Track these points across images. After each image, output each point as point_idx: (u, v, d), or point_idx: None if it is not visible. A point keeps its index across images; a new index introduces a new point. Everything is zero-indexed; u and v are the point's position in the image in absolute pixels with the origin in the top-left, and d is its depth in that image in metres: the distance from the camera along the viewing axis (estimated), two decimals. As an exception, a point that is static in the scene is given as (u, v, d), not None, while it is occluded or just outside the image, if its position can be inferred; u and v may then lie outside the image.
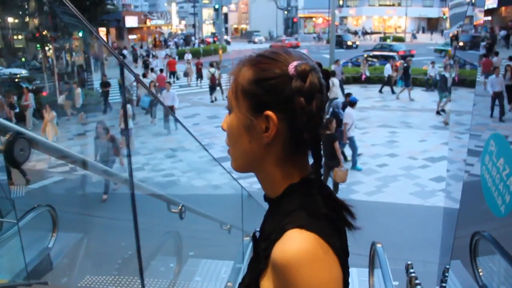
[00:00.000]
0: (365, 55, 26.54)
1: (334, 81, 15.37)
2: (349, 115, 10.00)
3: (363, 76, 22.02)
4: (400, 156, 11.18)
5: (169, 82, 15.70)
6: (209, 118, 16.09)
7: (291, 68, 0.87)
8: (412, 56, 30.69)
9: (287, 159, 0.92)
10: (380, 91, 19.75)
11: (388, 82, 19.70)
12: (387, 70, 19.72)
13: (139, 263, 1.81)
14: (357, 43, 46.48)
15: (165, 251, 5.37)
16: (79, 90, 14.09)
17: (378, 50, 32.61)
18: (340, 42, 43.88)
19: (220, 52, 35.61)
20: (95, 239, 6.81)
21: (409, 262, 3.77)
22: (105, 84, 15.55)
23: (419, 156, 11.06)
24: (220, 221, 2.99)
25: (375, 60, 26.00)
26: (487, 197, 2.34)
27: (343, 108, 10.67)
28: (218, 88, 19.55)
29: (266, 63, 0.90)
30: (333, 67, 19.11)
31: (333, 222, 0.88)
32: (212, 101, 19.37)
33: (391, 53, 26.82)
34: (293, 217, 0.86)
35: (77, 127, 13.25)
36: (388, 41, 45.54)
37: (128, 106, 10.53)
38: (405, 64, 19.47)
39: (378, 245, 4.08)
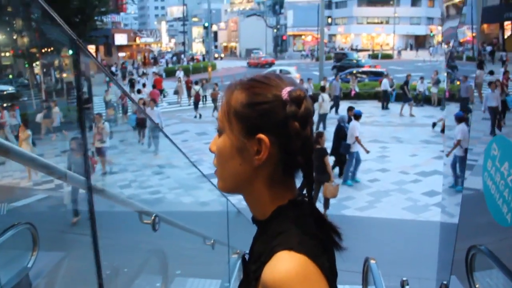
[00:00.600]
0: (354, 71, 26.67)
1: (324, 97, 15.36)
2: (355, 128, 9.95)
3: (353, 92, 22.04)
4: (392, 171, 11.06)
5: (153, 100, 15.10)
6: (198, 134, 15.93)
7: (285, 93, 0.89)
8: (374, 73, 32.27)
9: (276, 181, 0.94)
10: (383, 106, 19.76)
11: (386, 97, 19.75)
12: (385, 85, 19.74)
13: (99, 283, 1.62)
14: (363, 61, 41.44)
15: (150, 270, 5.14)
16: (57, 108, 13.88)
17: (346, 66, 34.80)
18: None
19: (210, 69, 35.66)
20: (77, 258, 6.56)
21: (404, 278, 3.63)
22: (85, 101, 15.35)
23: (411, 171, 10.94)
24: (203, 235, 2.78)
25: (364, 76, 26.12)
26: (491, 206, 2.18)
27: (348, 122, 10.58)
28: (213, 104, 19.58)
29: (258, 87, 0.92)
30: (322, 83, 19.11)
31: (321, 242, 0.89)
32: (195, 117, 19.55)
33: (377, 69, 27.04)
34: (282, 239, 0.86)
35: (56, 145, 13.01)
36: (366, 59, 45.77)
37: (106, 123, 10.24)
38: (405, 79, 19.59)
39: (372, 261, 3.92)
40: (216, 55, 61.02)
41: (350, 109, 11.20)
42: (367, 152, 10.13)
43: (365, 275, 4.04)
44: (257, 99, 0.91)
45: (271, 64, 47.45)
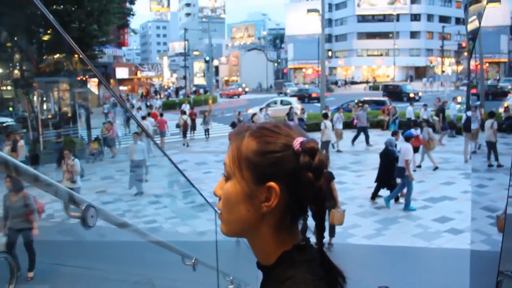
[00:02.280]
0: (356, 101, 26.52)
1: (327, 124, 15.01)
2: (408, 150, 9.59)
3: (355, 121, 21.74)
4: (399, 198, 10.56)
5: (137, 133, 13.25)
6: (196, 164, 15.52)
7: (296, 143, 0.90)
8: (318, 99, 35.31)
9: (283, 227, 0.94)
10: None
11: (409, 126, 19.26)
12: (409, 113, 19.29)
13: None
14: (420, 94, 38.85)
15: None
16: (22, 142, 13.41)
17: (298, 93, 39.58)
18: (398, 94, 37.33)
19: (210, 102, 35.56)
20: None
21: None
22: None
23: (419, 197, 10.42)
24: (179, 252, 2.30)
25: (366, 105, 25.93)
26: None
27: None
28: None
29: (270, 136, 0.92)
30: (324, 111, 18.77)
31: (328, 285, 0.90)
32: (184, 145, 19.77)
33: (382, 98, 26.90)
34: (289, 285, 0.87)
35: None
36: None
37: (76, 160, 9.50)
38: (441, 107, 19.22)
39: (386, 290, 3.42)
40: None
41: (394, 133, 10.89)
42: (412, 178, 9.65)
43: (378, 306, 3.53)
44: (268, 148, 0.91)
45: (239, 95, 52.39)
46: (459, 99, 23.31)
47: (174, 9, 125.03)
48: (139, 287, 4.58)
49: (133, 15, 38.09)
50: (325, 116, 15.74)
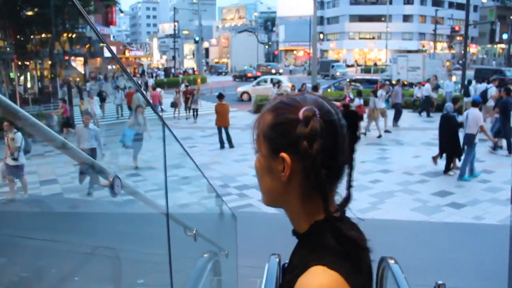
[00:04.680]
0: (348, 80, 26.02)
1: (318, 98, 14.42)
2: (480, 116, 9.00)
3: (347, 99, 21.18)
4: (395, 172, 9.98)
5: (89, 113, 10.99)
6: (182, 139, 14.78)
7: (300, 113, 0.91)
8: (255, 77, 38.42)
9: (306, 196, 0.95)
10: (421, 113, 18.44)
11: (427, 103, 18.30)
12: (427, 90, 18.34)
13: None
14: None
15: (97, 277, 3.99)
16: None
17: (237, 74, 45.79)
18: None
19: (199, 81, 34.89)
20: (21, 264, 5.43)
21: (440, 282, 2.60)
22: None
23: (416, 172, 9.85)
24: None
25: (358, 84, 25.46)
26: None
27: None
28: None
29: (282, 108, 0.95)
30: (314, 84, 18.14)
31: (355, 260, 0.90)
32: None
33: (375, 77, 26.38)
34: (317, 254, 0.89)
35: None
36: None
37: (18, 134, 8.47)
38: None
39: (391, 261, 2.81)
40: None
41: (455, 100, 10.18)
42: (495, 142, 9.13)
43: (381, 278, 2.92)
44: (278, 120, 0.93)
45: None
46: (453, 78, 22.79)
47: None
48: (105, 259, 3.95)
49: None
50: (315, 88, 15.15)
